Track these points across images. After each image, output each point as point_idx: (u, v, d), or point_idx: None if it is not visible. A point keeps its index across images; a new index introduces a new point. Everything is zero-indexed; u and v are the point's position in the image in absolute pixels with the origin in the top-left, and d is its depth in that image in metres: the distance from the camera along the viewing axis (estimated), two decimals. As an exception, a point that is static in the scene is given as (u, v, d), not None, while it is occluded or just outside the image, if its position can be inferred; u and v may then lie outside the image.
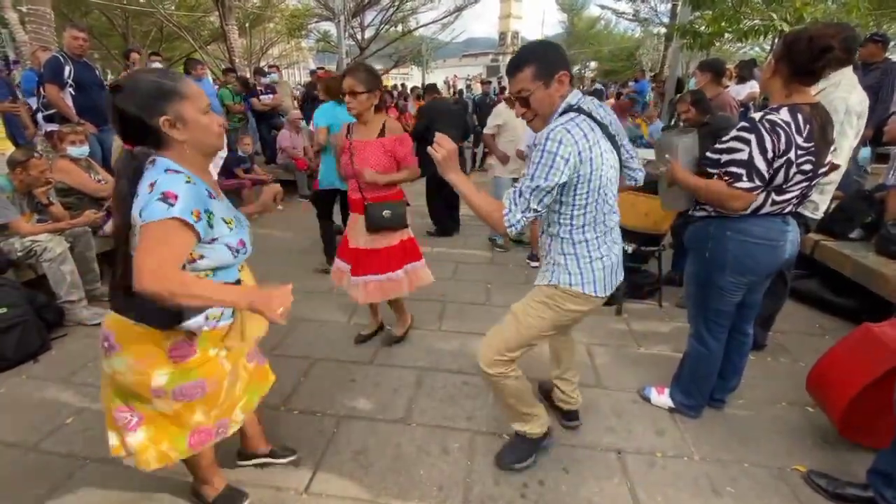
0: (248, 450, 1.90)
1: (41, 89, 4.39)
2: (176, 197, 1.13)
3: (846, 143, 2.22)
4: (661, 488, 1.84)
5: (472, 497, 1.80)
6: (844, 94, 2.21)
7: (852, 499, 1.74)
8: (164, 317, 1.25)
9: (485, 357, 1.75)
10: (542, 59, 1.50)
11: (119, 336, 1.30)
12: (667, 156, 1.96)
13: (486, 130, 4.44)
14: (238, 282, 1.40)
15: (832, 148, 1.77)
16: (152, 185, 1.15)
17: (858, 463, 1.92)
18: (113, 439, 1.43)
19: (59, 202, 3.35)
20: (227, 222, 1.29)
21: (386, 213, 2.42)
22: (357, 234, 2.52)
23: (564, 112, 1.51)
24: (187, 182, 1.17)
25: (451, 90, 17.96)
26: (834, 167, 2.15)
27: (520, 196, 1.45)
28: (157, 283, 1.08)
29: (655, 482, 1.87)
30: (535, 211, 1.46)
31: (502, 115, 4.26)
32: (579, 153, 1.42)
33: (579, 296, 1.62)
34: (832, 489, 1.78)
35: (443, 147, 1.48)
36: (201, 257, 1.25)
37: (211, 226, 1.23)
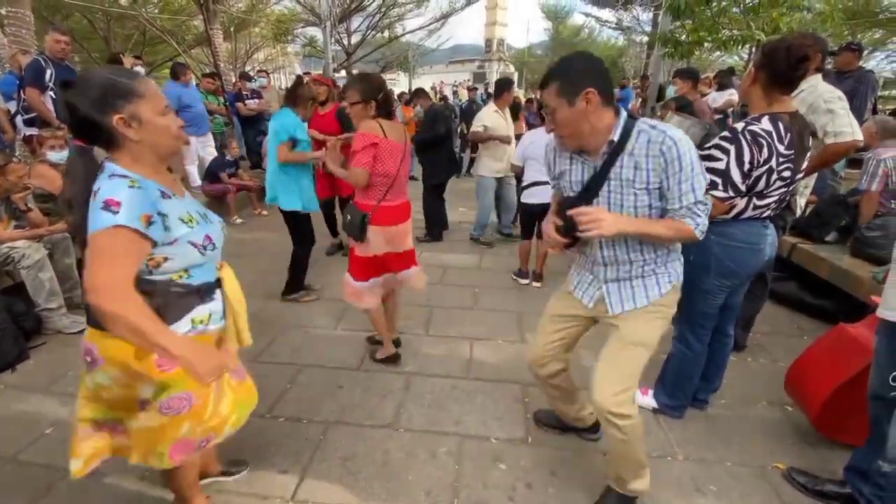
0: (202, 470, 1.78)
1: (21, 93, 4.31)
2: (118, 203, 1.08)
3: (847, 118, 2.26)
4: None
5: (460, 502, 1.80)
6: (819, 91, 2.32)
7: (831, 495, 1.79)
8: None
9: (616, 399, 1.52)
10: (565, 75, 1.40)
11: (102, 349, 1.24)
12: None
13: (473, 128, 4.58)
14: (218, 281, 1.37)
15: (808, 154, 1.84)
16: (95, 192, 1.11)
17: (836, 460, 1.97)
18: (76, 464, 1.36)
19: (38, 208, 3.28)
20: (186, 221, 1.23)
21: (348, 216, 2.42)
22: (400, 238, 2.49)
23: (632, 125, 1.42)
24: (131, 186, 1.12)
25: (438, 96, 18.00)
26: (856, 143, 2.25)
27: (699, 205, 1.41)
28: (108, 301, 1.04)
29: (641, 483, 1.89)
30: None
31: (483, 119, 4.40)
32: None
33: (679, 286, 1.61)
34: (812, 486, 1.83)
35: (590, 215, 1.36)
36: (166, 259, 1.20)
37: (167, 227, 1.18)
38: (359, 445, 2.07)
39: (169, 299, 1.23)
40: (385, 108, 2.34)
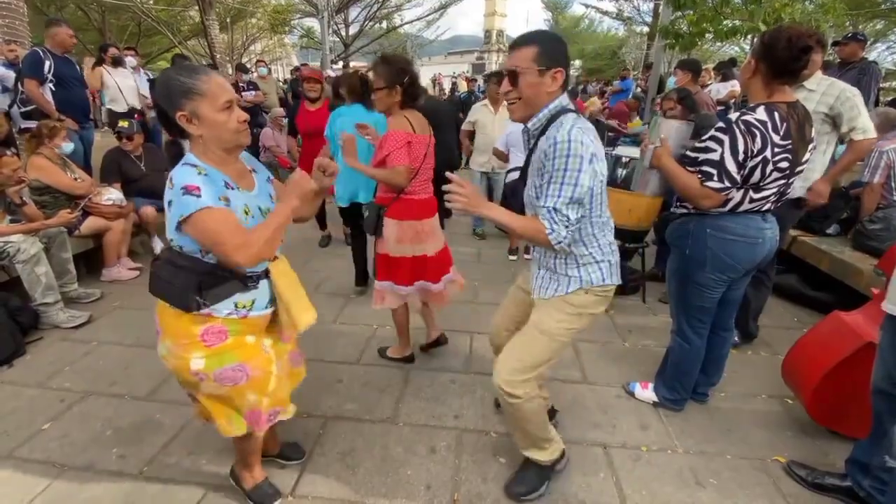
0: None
1: (18, 84, 4.27)
2: (198, 188, 1.20)
3: (868, 115, 2.38)
4: (647, 482, 1.86)
5: (459, 496, 1.79)
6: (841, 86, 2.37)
7: (831, 488, 1.79)
8: (182, 297, 1.30)
9: (508, 377, 1.58)
10: (546, 45, 1.44)
11: (161, 320, 1.38)
12: (662, 135, 1.97)
13: (463, 126, 4.68)
14: (266, 272, 1.44)
15: (811, 146, 1.81)
16: (170, 179, 1.24)
17: (836, 453, 1.97)
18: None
19: (34, 201, 3.25)
20: (244, 212, 1.33)
21: (366, 212, 2.39)
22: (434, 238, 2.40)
23: (559, 113, 1.45)
24: (199, 174, 1.24)
25: (438, 88, 17.87)
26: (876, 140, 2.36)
27: (556, 213, 1.38)
28: (249, 257, 1.23)
29: (641, 476, 1.89)
30: (577, 221, 1.41)
31: (476, 114, 4.46)
32: (596, 158, 1.39)
33: (607, 291, 1.60)
34: (811, 479, 1.83)
35: (462, 189, 1.38)
36: None
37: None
38: (358, 440, 2.06)
39: (215, 280, 1.32)
40: (411, 93, 2.19)
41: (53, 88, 4.20)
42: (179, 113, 1.23)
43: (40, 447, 2.00)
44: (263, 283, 1.44)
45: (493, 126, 4.30)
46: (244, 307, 1.40)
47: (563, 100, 1.49)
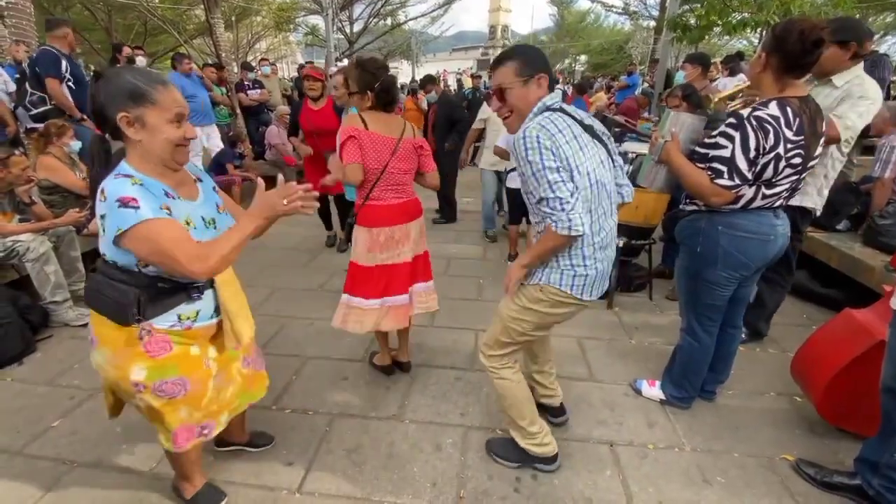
0: (226, 438, 1.89)
1: (26, 85, 4.28)
2: (135, 199, 1.15)
3: (859, 118, 2.22)
4: (653, 480, 1.85)
5: (465, 493, 1.80)
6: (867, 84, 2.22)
7: (840, 486, 1.77)
8: (119, 310, 1.25)
9: (482, 348, 1.84)
10: (523, 57, 1.53)
11: (97, 330, 1.33)
12: (673, 129, 1.91)
13: (474, 125, 4.61)
14: (211, 281, 1.39)
15: (822, 140, 1.78)
16: (102, 191, 1.18)
17: (845, 451, 1.96)
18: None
19: (42, 200, 3.28)
20: (186, 222, 1.27)
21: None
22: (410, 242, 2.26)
23: (538, 113, 1.52)
24: (134, 184, 1.18)
25: (443, 84, 17.82)
26: (837, 136, 2.19)
27: (545, 201, 1.44)
28: (204, 269, 1.18)
29: (647, 474, 1.88)
30: (573, 195, 1.43)
31: (487, 111, 4.40)
32: (559, 146, 1.42)
33: (567, 297, 1.60)
34: (820, 477, 1.81)
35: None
36: None
37: None
38: (364, 437, 2.07)
39: (155, 293, 1.28)
40: (382, 98, 2.09)
41: (74, 87, 4.18)
42: (122, 114, 1.18)
43: (50, 444, 2.02)
44: (208, 294, 1.39)
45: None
46: (188, 318, 1.35)
47: (549, 99, 1.53)
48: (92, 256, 3.69)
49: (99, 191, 1.19)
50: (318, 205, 1.33)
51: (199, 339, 1.41)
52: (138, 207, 1.14)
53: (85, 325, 2.99)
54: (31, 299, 2.90)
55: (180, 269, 1.17)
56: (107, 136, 1.29)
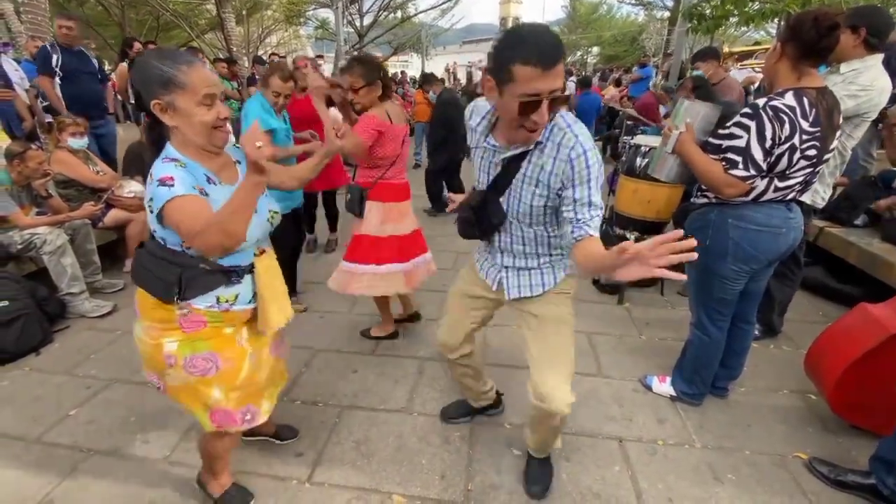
0: (255, 428, 1.84)
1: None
2: (172, 178, 1.18)
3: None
4: (663, 476, 1.84)
5: (473, 485, 1.80)
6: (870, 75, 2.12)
7: (853, 485, 1.74)
8: (162, 288, 1.29)
9: (564, 393, 1.47)
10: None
11: (140, 303, 1.37)
12: (688, 119, 1.87)
13: None
14: (251, 266, 1.41)
15: (838, 133, 1.74)
16: (151, 174, 1.23)
17: (860, 450, 1.92)
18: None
19: (59, 194, 3.34)
20: None
21: (348, 195, 2.48)
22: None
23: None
24: (177, 167, 1.22)
25: (452, 77, 17.72)
26: None
27: (592, 207, 1.29)
28: (208, 243, 1.17)
29: (657, 470, 1.87)
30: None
31: None
32: None
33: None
34: (833, 476, 1.79)
35: None
36: None
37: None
38: (373, 429, 2.09)
39: (196, 274, 1.30)
40: (387, 87, 2.36)
41: (60, 82, 4.18)
42: (154, 101, 1.19)
43: (67, 432, 2.07)
44: (248, 278, 1.41)
45: None
46: (227, 301, 1.36)
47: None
48: (107, 249, 3.75)
49: (149, 173, 1.24)
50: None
51: (235, 321, 1.43)
52: (173, 185, 1.18)
53: (101, 317, 3.05)
54: (49, 291, 2.96)
55: (188, 243, 1.21)
56: (154, 122, 1.27)
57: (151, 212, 1.22)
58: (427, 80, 6.38)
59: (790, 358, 2.60)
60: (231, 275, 1.36)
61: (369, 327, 2.85)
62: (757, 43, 7.52)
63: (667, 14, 18.66)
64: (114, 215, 3.60)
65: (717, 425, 2.12)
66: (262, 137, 1.13)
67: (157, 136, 1.33)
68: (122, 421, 2.13)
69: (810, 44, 1.61)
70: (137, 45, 5.58)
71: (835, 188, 2.46)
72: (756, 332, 2.66)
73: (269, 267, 1.46)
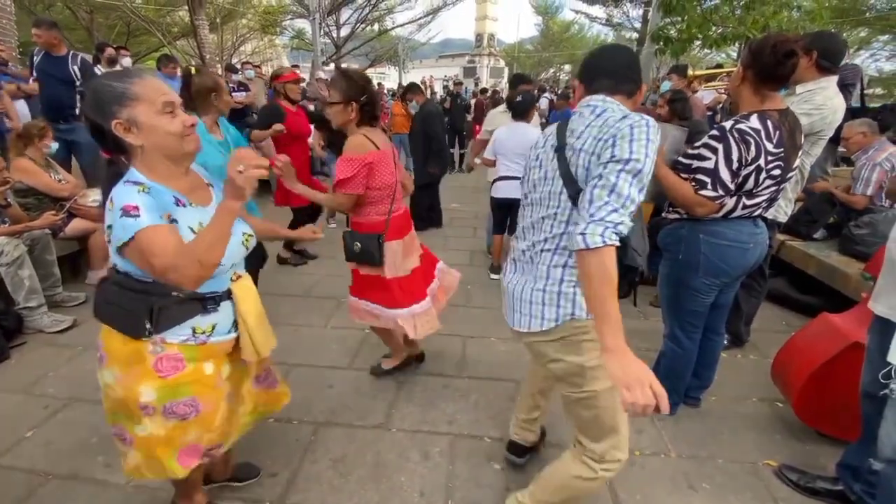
0: (208, 474, 1.75)
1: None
2: (136, 208, 1.09)
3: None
4: (640, 486, 1.86)
5: (454, 502, 1.78)
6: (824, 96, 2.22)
7: (823, 492, 1.80)
8: (131, 322, 1.19)
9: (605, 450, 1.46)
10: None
11: (106, 345, 1.25)
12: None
13: (480, 136, 4.41)
14: (228, 292, 1.32)
15: (800, 152, 1.83)
16: (111, 200, 1.12)
17: (827, 456, 1.99)
18: (124, 460, 1.39)
19: (17, 203, 3.18)
20: (196, 231, 1.20)
21: (356, 245, 2.14)
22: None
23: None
24: (140, 192, 1.12)
25: (429, 92, 17.88)
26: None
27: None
28: (187, 276, 1.10)
29: (634, 480, 1.89)
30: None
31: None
32: None
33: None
34: (803, 483, 1.84)
35: None
36: None
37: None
38: (350, 446, 2.04)
39: (168, 303, 1.20)
40: (368, 112, 2.03)
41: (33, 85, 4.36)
42: (115, 121, 1.11)
43: (25, 455, 1.95)
44: (225, 305, 1.31)
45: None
46: (203, 333, 1.26)
47: None
48: (68, 260, 3.59)
49: (108, 199, 1.13)
50: (266, 173, 1.17)
51: (215, 357, 1.32)
52: (138, 216, 1.08)
53: (60, 332, 2.91)
54: (5, 304, 2.80)
55: (161, 277, 1.10)
56: (114, 157, 1.22)
57: (109, 241, 1.12)
58: (410, 89, 6.40)
59: (757, 367, 2.68)
60: (207, 302, 1.26)
61: (379, 363, 2.58)
62: (719, 66, 7.88)
63: (635, 35, 19.40)
64: (76, 225, 3.45)
65: (690, 434, 2.16)
66: (249, 160, 1.11)
67: (113, 175, 1.19)
68: (82, 443, 2.02)
69: (769, 69, 1.70)
70: (109, 50, 5.43)
71: (794, 203, 2.59)
72: (724, 342, 2.74)
73: (247, 291, 1.37)
